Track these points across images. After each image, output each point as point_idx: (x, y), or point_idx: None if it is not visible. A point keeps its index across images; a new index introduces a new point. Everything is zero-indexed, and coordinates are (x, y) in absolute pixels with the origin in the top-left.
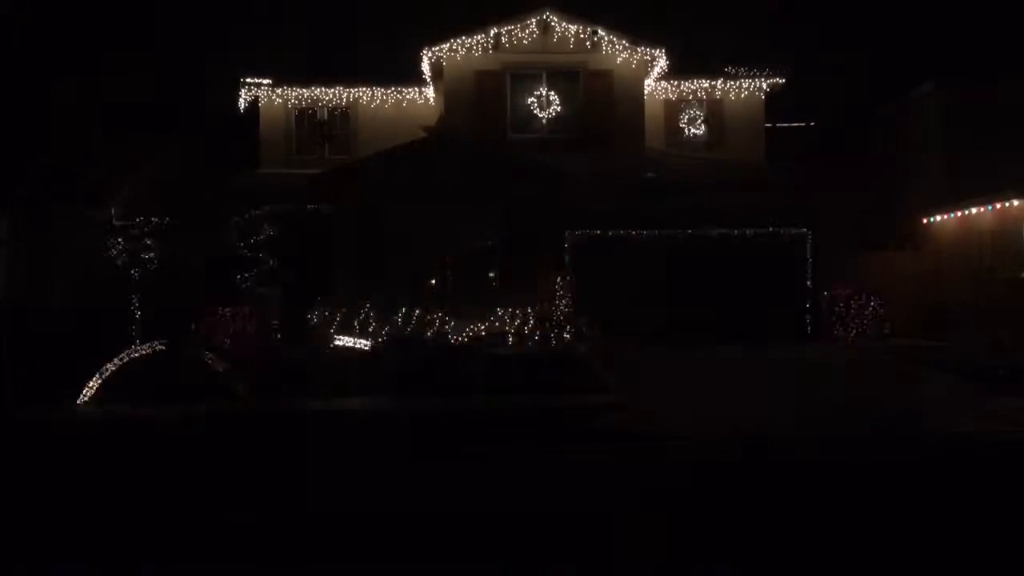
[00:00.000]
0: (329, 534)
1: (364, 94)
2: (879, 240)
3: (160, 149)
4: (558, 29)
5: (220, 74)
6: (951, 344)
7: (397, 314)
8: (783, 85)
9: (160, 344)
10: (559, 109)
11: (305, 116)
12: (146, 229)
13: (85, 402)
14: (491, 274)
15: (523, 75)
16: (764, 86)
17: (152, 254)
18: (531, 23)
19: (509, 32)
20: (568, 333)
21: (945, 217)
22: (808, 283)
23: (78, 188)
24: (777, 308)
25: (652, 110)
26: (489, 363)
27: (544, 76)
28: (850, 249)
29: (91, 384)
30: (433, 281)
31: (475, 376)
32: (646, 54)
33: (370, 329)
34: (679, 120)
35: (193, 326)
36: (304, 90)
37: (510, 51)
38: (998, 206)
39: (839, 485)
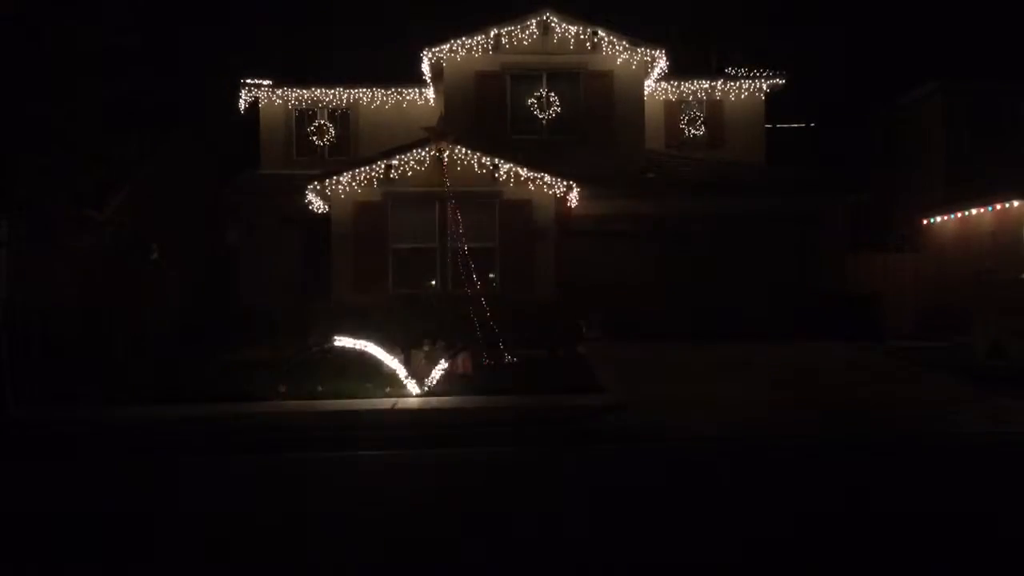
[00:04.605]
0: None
1: (364, 95)
2: (879, 241)
3: (160, 150)
4: (558, 30)
5: (220, 75)
6: (951, 344)
7: (396, 315)
8: (783, 86)
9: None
10: (559, 110)
11: (305, 117)
12: (146, 230)
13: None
14: (491, 275)
15: (523, 76)
16: (764, 87)
17: (152, 255)
18: (531, 24)
19: (509, 33)
20: (568, 333)
21: (945, 218)
22: (808, 283)
23: (78, 188)
24: (777, 309)
25: (652, 111)
26: (489, 363)
27: (544, 77)
28: (850, 249)
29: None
30: (433, 282)
31: (475, 376)
32: (646, 55)
33: (370, 330)
34: (679, 121)
35: (192, 326)
36: (304, 91)
37: (510, 52)
38: (998, 207)
39: (839, 485)
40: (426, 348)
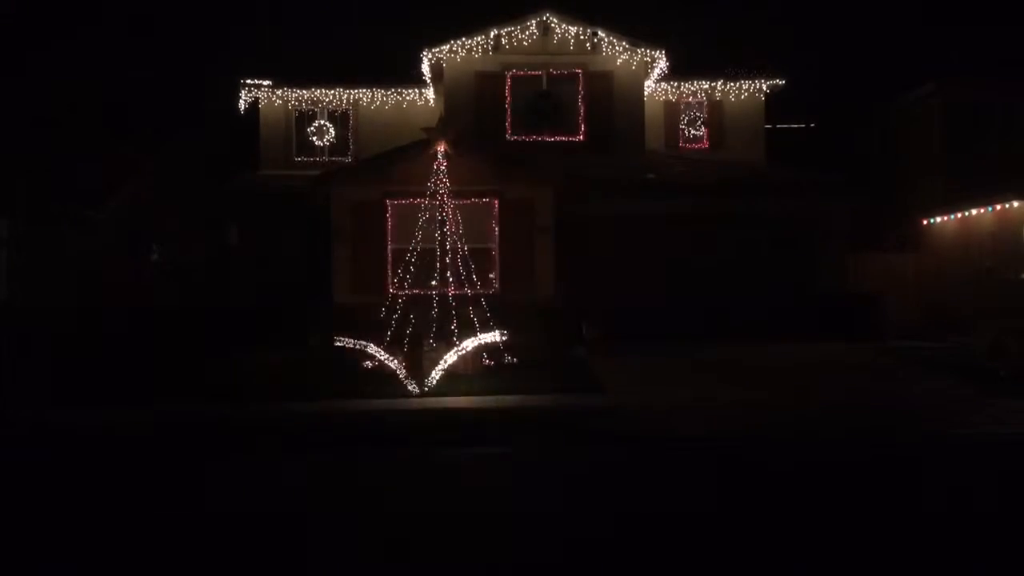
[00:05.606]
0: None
1: (364, 95)
2: (879, 241)
3: (160, 150)
4: (558, 30)
5: (220, 75)
6: (951, 344)
7: (396, 315)
8: (783, 86)
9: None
10: (559, 110)
11: (305, 117)
12: (146, 230)
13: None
14: (491, 275)
15: (523, 76)
16: (764, 87)
17: (152, 255)
18: (531, 24)
19: (509, 33)
20: (568, 334)
21: (945, 218)
22: (808, 284)
23: (78, 188)
24: (777, 309)
25: (652, 111)
26: (489, 363)
27: (544, 77)
28: (850, 250)
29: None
30: (433, 282)
31: (474, 377)
32: (646, 55)
33: (370, 331)
34: (679, 121)
35: (192, 327)
36: (304, 91)
37: (510, 52)
38: (998, 207)
39: (838, 485)
40: (426, 348)
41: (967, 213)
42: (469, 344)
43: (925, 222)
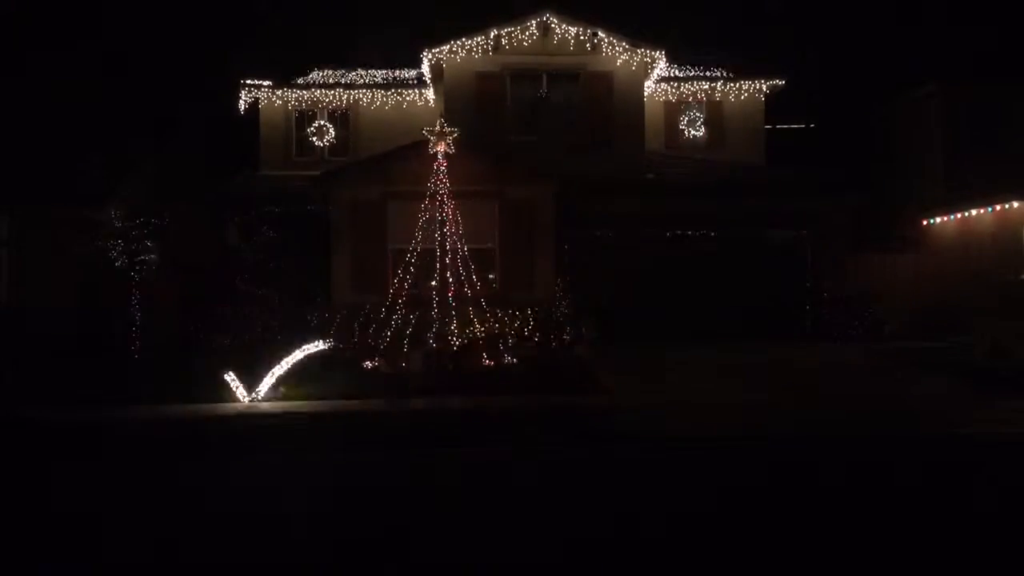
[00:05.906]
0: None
1: (364, 96)
2: (879, 241)
3: (160, 150)
4: (558, 31)
5: (220, 75)
6: (951, 345)
7: (396, 315)
8: (783, 86)
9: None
10: (559, 111)
11: (305, 117)
12: (146, 230)
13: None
14: (491, 275)
15: (523, 76)
16: (764, 87)
17: (152, 255)
18: (531, 25)
19: (509, 34)
20: (568, 334)
21: (945, 219)
22: (808, 284)
23: (78, 188)
24: (777, 309)
25: (652, 111)
26: (488, 364)
27: (544, 78)
28: (850, 250)
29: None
30: (433, 282)
31: (475, 377)
32: (646, 55)
33: (370, 331)
34: (679, 121)
35: (192, 327)
36: (304, 91)
37: (510, 53)
38: (998, 208)
39: (838, 486)
40: (426, 348)
41: (967, 213)
42: (469, 344)
43: (925, 222)
